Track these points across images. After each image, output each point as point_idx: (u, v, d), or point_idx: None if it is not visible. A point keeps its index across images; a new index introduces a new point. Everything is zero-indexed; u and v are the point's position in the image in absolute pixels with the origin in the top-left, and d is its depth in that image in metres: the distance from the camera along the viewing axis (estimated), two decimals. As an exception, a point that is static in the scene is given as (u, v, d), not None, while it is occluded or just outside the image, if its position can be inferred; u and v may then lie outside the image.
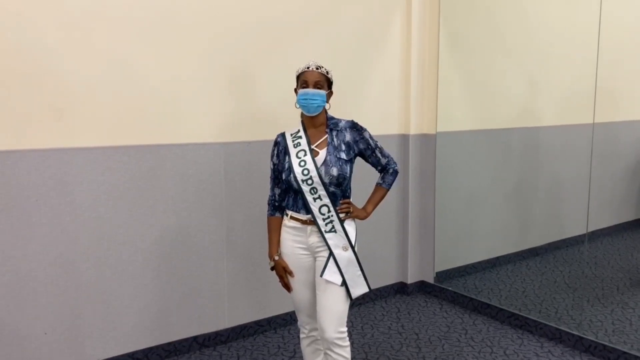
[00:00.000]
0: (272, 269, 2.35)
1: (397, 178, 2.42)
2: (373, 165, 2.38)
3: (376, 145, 2.34)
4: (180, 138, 2.96)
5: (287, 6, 3.25)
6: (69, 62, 2.60)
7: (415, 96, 3.89)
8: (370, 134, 2.33)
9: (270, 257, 2.34)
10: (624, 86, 4.04)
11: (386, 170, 2.38)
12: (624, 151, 4.22)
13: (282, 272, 2.32)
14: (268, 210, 2.37)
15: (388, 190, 2.40)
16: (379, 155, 2.34)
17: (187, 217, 3.03)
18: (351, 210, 2.28)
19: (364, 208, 2.36)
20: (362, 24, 3.62)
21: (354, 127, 2.31)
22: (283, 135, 2.32)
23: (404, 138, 3.93)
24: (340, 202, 2.26)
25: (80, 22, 2.61)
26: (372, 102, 3.73)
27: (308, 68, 2.23)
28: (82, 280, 2.74)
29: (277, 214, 2.35)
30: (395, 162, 2.40)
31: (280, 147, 2.30)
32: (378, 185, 2.40)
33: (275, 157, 2.31)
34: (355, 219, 2.33)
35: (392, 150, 3.83)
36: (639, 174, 4.18)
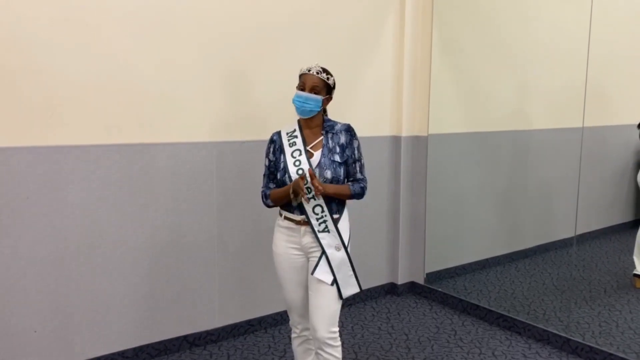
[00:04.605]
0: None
1: (377, 186, 2.34)
2: (347, 173, 2.30)
3: (360, 158, 2.33)
4: (173, 137, 2.96)
5: (281, 8, 3.25)
6: (62, 59, 2.59)
7: (407, 98, 3.91)
8: (359, 145, 2.33)
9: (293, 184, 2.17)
10: (614, 91, 4.09)
11: (357, 182, 2.31)
12: (612, 155, 4.27)
13: (300, 184, 2.13)
14: (264, 199, 2.32)
15: (351, 195, 2.28)
16: (357, 168, 2.32)
17: (179, 216, 3.02)
18: (320, 188, 2.11)
19: (324, 187, 2.17)
20: (355, 26, 3.63)
21: (349, 130, 2.32)
22: (279, 133, 2.33)
23: (395, 140, 3.94)
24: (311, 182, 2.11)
25: (74, 18, 2.60)
26: (364, 104, 3.74)
27: (309, 71, 2.24)
28: (73, 278, 2.73)
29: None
30: (366, 186, 2.33)
31: (276, 145, 2.31)
32: (347, 184, 2.30)
33: (271, 155, 2.33)
34: (348, 221, 2.32)
35: (383, 152, 3.86)
36: (627, 177, 4.24)
